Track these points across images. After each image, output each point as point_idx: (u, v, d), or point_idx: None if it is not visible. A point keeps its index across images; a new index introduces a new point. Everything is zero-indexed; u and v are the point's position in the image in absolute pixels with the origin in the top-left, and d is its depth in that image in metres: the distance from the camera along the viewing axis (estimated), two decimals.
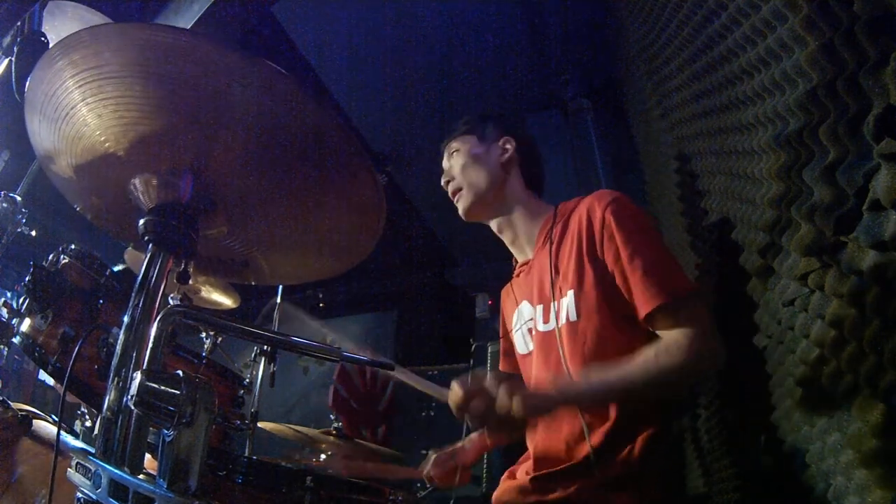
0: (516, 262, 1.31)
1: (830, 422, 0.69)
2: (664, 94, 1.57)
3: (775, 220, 0.79)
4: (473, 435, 1.30)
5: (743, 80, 0.90)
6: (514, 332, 1.26)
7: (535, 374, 1.13)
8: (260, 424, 1.77)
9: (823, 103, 0.62)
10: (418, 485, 1.99)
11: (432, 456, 1.26)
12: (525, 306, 1.22)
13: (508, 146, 1.27)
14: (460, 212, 1.26)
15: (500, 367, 1.38)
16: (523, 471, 1.09)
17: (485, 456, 2.44)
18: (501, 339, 1.37)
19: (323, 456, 1.82)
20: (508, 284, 1.33)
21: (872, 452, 0.58)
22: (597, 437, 0.96)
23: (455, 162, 1.27)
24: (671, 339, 0.92)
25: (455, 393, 0.88)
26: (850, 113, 0.57)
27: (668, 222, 1.78)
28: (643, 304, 0.95)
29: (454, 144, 1.29)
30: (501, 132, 1.29)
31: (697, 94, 1.22)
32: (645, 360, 0.91)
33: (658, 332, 0.96)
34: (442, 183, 1.29)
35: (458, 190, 1.25)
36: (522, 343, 1.22)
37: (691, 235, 1.41)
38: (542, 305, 1.14)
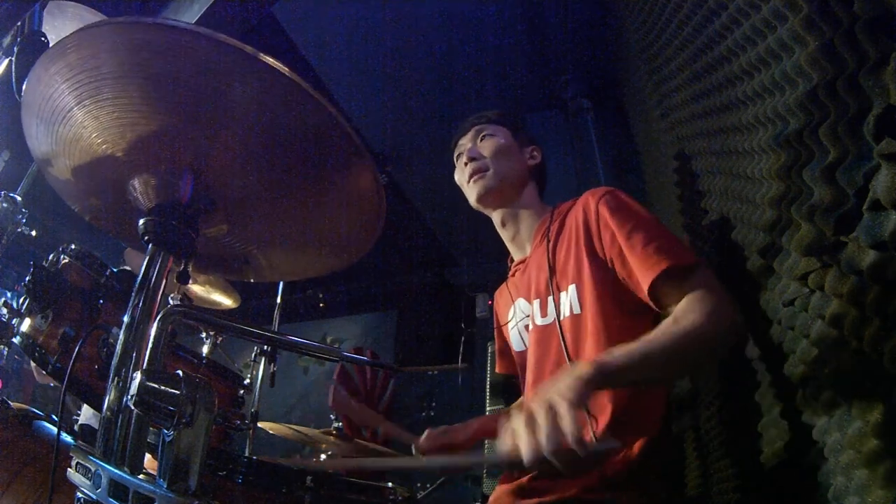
0: (511, 261, 1.33)
1: (830, 422, 0.69)
2: (664, 94, 1.57)
3: (775, 220, 0.79)
4: (479, 418, 1.29)
5: (743, 80, 0.90)
6: (509, 327, 1.27)
7: (534, 369, 1.13)
8: (260, 424, 1.77)
9: (823, 103, 0.61)
10: (418, 484, 1.99)
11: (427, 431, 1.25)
12: (521, 303, 1.22)
13: (537, 154, 1.32)
14: (477, 191, 1.22)
15: (497, 368, 1.39)
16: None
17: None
18: (496, 338, 1.38)
19: (323, 456, 1.82)
20: (504, 284, 1.34)
21: (872, 452, 0.58)
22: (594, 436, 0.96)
23: (486, 144, 1.27)
24: (685, 303, 0.86)
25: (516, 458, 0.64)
26: (850, 113, 0.57)
27: (669, 222, 1.78)
28: (645, 276, 0.91)
29: (488, 128, 1.30)
30: (531, 140, 1.35)
31: (697, 94, 1.22)
32: (665, 327, 0.83)
33: (668, 307, 0.91)
34: (464, 159, 1.26)
35: (484, 170, 1.23)
36: (518, 340, 1.23)
37: (691, 235, 1.40)
38: (539, 300, 1.14)
